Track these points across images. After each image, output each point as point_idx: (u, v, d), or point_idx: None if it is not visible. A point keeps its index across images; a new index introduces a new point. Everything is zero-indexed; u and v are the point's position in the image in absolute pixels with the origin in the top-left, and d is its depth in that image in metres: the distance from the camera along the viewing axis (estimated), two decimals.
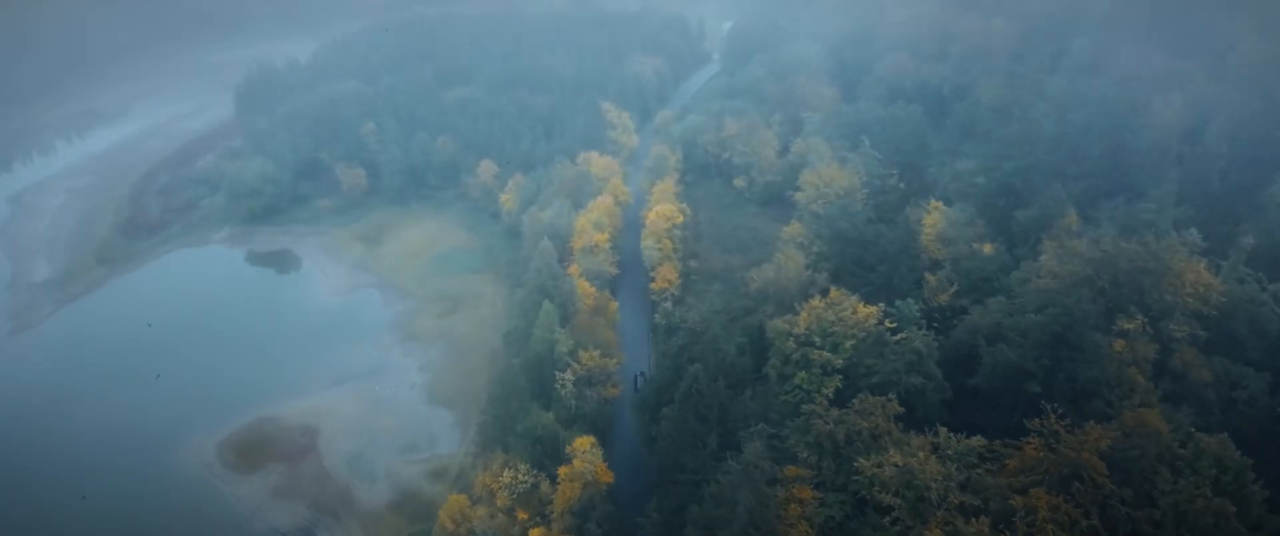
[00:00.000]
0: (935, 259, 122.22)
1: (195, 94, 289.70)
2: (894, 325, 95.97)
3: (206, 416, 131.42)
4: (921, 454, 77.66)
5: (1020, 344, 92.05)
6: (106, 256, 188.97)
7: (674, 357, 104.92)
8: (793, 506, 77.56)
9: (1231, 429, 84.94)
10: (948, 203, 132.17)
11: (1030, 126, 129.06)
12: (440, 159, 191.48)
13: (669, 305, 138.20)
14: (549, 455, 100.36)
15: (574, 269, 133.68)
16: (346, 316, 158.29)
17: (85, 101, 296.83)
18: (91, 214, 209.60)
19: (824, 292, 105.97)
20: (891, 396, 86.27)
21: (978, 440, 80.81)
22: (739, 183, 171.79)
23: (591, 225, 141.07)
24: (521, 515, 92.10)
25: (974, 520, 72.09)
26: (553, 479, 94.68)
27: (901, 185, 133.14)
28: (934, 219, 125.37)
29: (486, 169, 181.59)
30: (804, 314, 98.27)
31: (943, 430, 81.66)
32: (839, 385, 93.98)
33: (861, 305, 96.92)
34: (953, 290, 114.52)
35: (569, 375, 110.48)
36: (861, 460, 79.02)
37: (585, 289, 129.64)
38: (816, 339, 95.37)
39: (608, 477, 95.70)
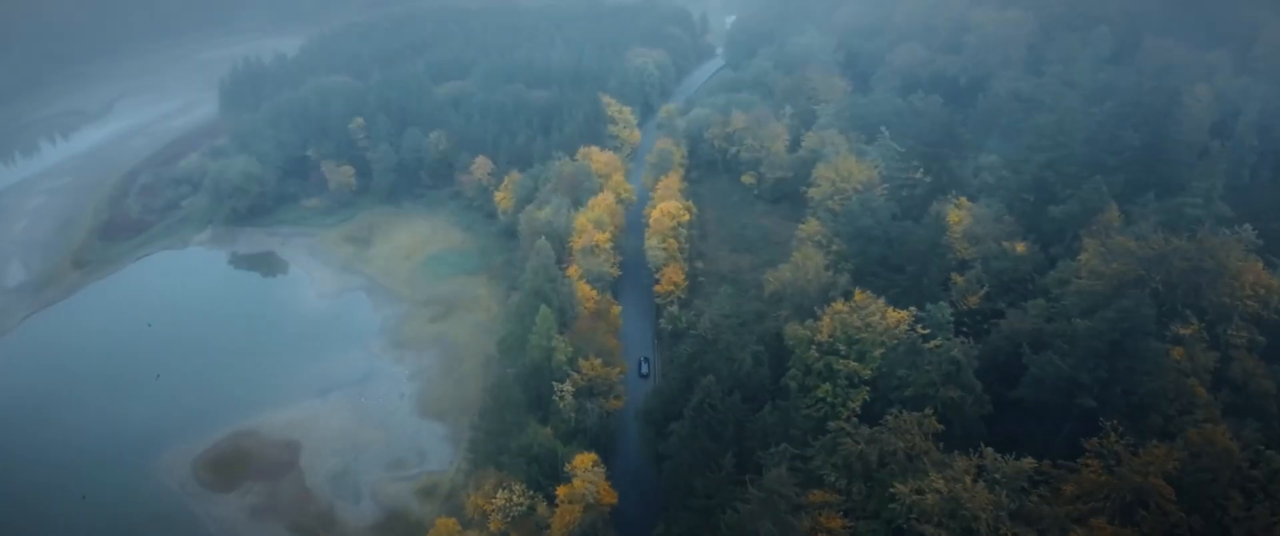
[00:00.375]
0: (962, 258, 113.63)
1: (183, 91, 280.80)
2: (927, 331, 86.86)
3: (182, 429, 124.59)
4: (967, 479, 68.60)
5: (1068, 352, 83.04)
6: (83, 259, 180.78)
7: (683, 367, 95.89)
8: None
9: None
10: (971, 198, 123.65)
11: (1065, 115, 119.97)
12: (433, 156, 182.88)
13: (675, 309, 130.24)
14: (546, 474, 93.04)
15: (573, 270, 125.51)
16: (333, 321, 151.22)
17: (70, 100, 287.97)
18: (70, 215, 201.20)
19: (846, 295, 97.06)
20: (929, 411, 77.14)
21: (1029, 462, 71.81)
22: (747, 179, 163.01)
23: (592, 224, 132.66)
24: None
25: None
26: (551, 500, 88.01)
27: (927, 179, 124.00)
28: (959, 215, 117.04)
29: (481, 166, 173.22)
30: (826, 319, 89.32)
31: (988, 450, 72.61)
32: (866, 397, 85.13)
33: (891, 309, 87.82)
34: (983, 292, 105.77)
35: (568, 386, 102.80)
36: (898, 486, 70.02)
37: (585, 292, 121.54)
38: (841, 346, 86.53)
39: (611, 498, 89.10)
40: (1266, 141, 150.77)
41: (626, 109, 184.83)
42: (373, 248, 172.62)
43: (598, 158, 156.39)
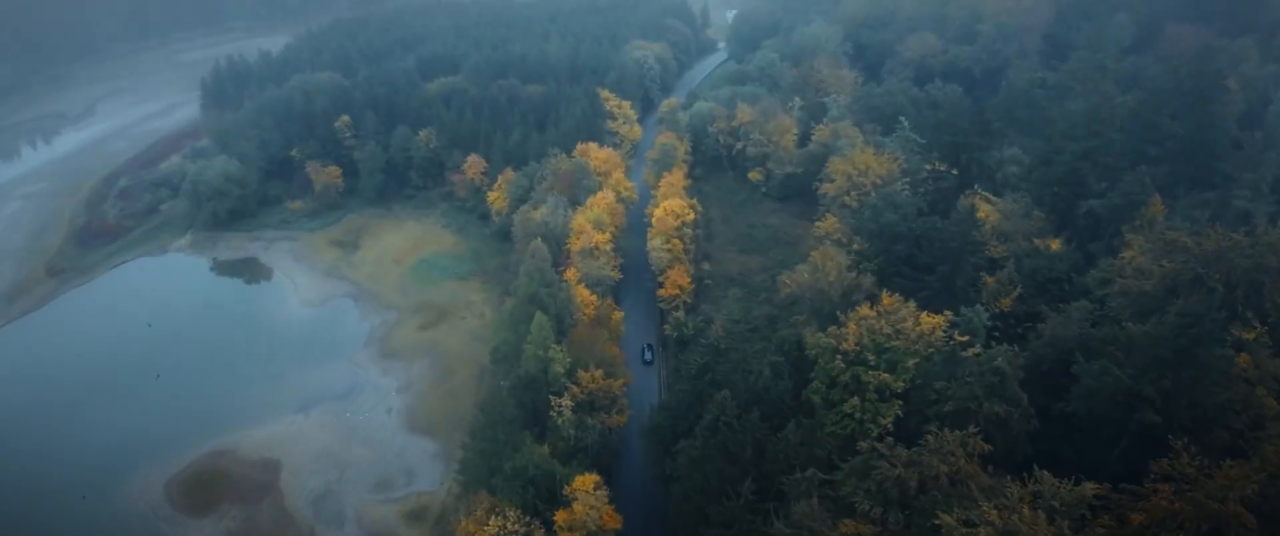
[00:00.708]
0: (990, 257, 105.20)
1: (166, 92, 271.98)
2: (966, 339, 78.25)
3: (155, 448, 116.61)
4: (1024, 508, 59.92)
5: (1124, 360, 74.44)
6: (58, 268, 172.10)
7: (692, 380, 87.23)
8: None
9: None
10: (995, 192, 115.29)
11: (1101, 101, 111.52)
12: (422, 154, 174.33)
13: (681, 314, 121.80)
14: (543, 497, 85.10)
15: (571, 274, 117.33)
16: (317, 331, 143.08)
17: (50, 103, 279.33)
18: (45, 222, 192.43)
19: (870, 298, 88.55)
20: (973, 429, 68.47)
21: (1090, 487, 63.03)
22: (755, 175, 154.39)
23: (591, 224, 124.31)
24: None
25: None
26: (549, 526, 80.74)
27: (953, 172, 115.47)
28: (986, 211, 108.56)
29: (474, 165, 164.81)
30: (851, 325, 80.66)
31: (1044, 474, 63.88)
32: (899, 412, 76.52)
33: (925, 314, 79.19)
34: (1016, 293, 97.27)
35: (567, 401, 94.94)
36: (943, 516, 61.23)
37: (584, 297, 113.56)
38: (870, 356, 77.89)
39: (615, 523, 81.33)
40: None
41: (626, 104, 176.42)
42: (360, 252, 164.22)
43: (596, 154, 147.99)
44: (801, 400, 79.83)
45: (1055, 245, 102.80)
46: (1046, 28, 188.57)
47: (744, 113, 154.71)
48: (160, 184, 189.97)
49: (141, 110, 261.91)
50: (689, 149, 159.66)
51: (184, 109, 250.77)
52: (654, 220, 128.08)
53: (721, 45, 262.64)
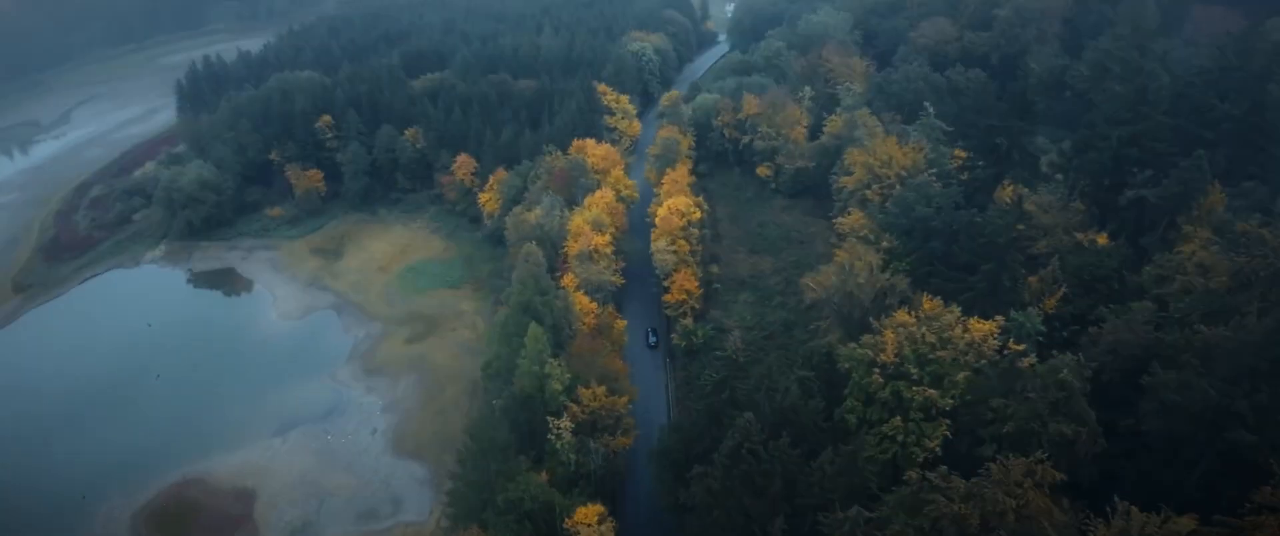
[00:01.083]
0: (1029, 254, 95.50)
1: (144, 98, 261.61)
2: (1021, 347, 68.43)
3: (120, 478, 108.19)
4: None
5: (1200, 369, 64.64)
6: (24, 283, 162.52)
7: (707, 397, 77.25)
8: None
9: None
10: (1026, 183, 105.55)
11: (1148, 80, 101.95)
12: (409, 155, 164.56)
13: (689, 321, 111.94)
14: (542, 532, 76.51)
15: (569, 280, 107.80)
16: (297, 346, 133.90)
17: (27, 111, 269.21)
18: (14, 235, 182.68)
19: (905, 302, 78.71)
20: (1042, 455, 58.58)
21: (1188, 520, 53.25)
22: (763, 171, 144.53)
23: (589, 225, 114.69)
24: None
25: None
26: None
27: (978, 162, 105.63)
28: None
29: (463, 165, 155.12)
30: (889, 334, 70.73)
31: (1132, 510, 54.01)
32: (947, 433, 66.63)
33: (976, 320, 69.32)
34: (1060, 293, 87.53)
35: (566, 422, 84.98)
36: None
37: (584, 305, 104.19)
38: (912, 369, 67.96)
39: None
40: None
41: (624, 98, 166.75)
42: (343, 260, 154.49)
43: (594, 151, 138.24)
44: (834, 420, 69.79)
45: (1102, 239, 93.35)
46: (1066, 12, 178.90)
47: (751, 103, 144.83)
48: (133, 192, 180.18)
49: (119, 116, 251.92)
50: (692, 144, 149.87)
51: (163, 114, 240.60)
52: (658, 219, 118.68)
53: (722, 38, 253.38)
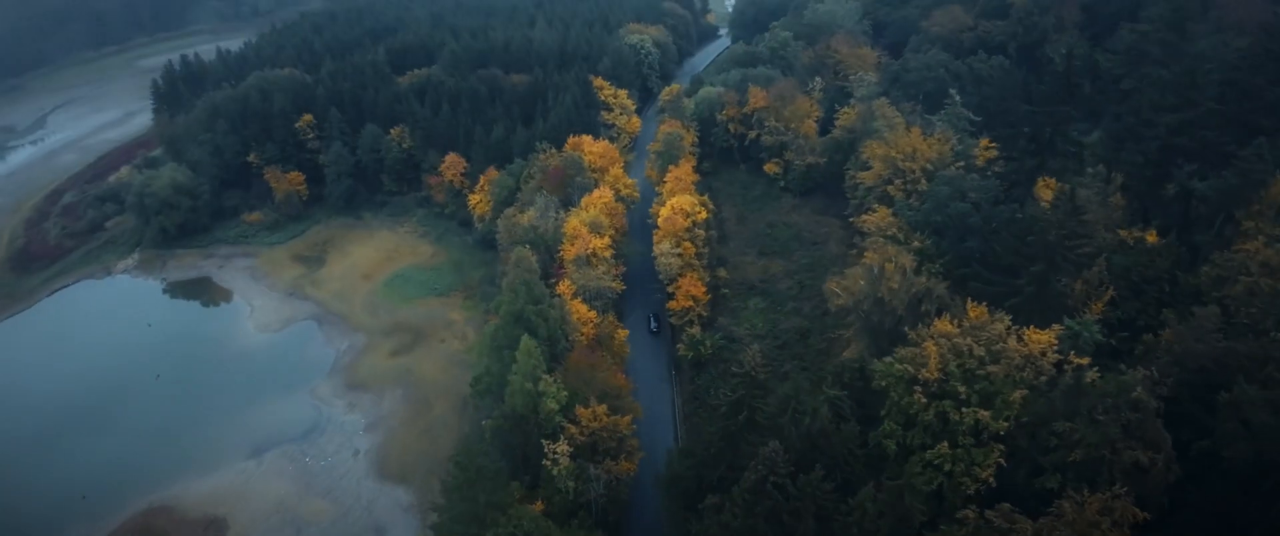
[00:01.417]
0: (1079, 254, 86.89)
1: (124, 101, 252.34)
2: (1085, 361, 59.72)
3: (83, 507, 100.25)
4: None
5: None
6: None
7: (723, 419, 68.42)
8: None
9: None
10: (1059, 177, 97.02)
11: (1195, 64, 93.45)
12: (395, 155, 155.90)
13: (695, 330, 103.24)
14: None
15: (565, 287, 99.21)
16: (275, 360, 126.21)
17: (1, 117, 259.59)
18: None
19: (943, 309, 70.00)
20: (1120, 488, 49.88)
21: None
22: (772, 168, 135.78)
23: (587, 227, 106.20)
24: None
25: None
26: None
27: (1013, 153, 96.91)
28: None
29: (452, 165, 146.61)
30: (930, 346, 61.94)
31: None
32: (1000, 460, 57.87)
33: (1032, 330, 60.57)
34: (1108, 296, 79.01)
35: (563, 445, 76.22)
36: None
37: (581, 314, 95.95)
38: (959, 387, 59.22)
39: None
40: None
41: (622, 93, 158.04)
42: (325, 267, 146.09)
43: (591, 148, 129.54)
44: (871, 446, 60.96)
45: (1151, 237, 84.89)
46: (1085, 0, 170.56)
47: (757, 96, 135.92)
48: (106, 198, 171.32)
49: (96, 120, 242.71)
50: (696, 139, 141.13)
51: (140, 117, 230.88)
52: (660, 220, 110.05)
53: (723, 31, 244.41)
